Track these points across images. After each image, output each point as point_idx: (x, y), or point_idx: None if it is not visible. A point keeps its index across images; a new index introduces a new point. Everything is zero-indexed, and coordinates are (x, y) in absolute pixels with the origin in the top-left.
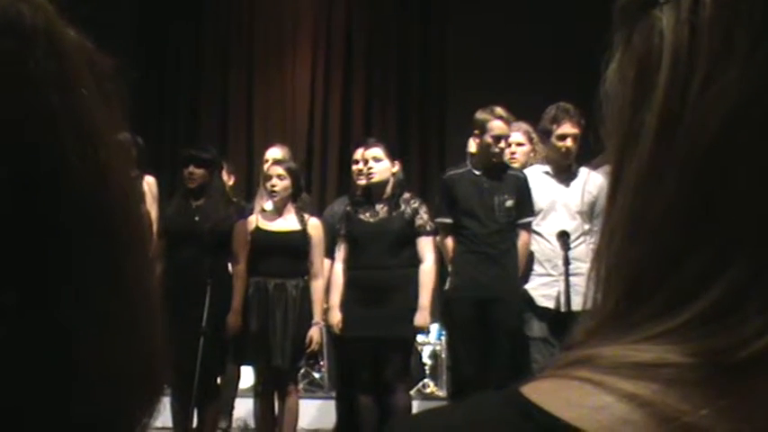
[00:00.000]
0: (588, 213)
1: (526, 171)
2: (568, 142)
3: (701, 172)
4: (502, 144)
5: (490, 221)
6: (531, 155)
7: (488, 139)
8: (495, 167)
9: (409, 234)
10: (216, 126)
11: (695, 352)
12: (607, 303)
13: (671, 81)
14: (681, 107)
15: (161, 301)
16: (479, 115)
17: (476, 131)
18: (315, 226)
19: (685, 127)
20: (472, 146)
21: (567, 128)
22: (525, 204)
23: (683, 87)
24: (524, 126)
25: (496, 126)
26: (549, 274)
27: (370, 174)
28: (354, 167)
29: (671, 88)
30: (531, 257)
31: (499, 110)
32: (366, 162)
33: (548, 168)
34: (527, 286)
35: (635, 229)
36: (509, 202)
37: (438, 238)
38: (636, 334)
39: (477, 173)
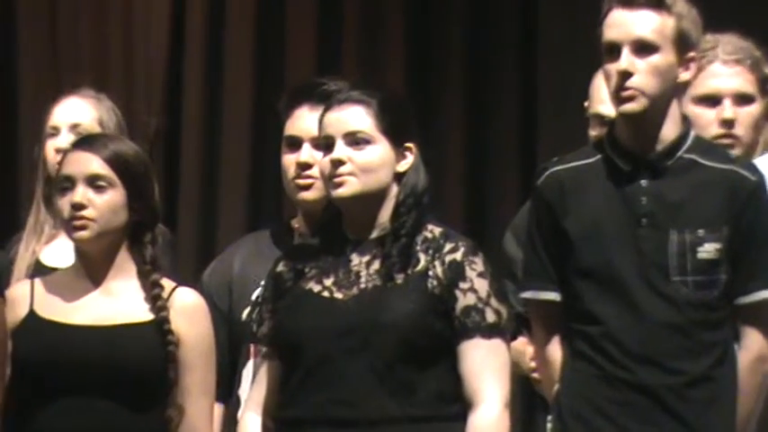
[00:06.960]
0: None
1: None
2: None
3: None
4: (622, 63)
5: (654, 297)
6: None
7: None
8: (652, 147)
9: (437, 332)
10: None
11: None
12: None
13: None
14: None
15: None
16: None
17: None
18: (189, 310)
19: None
20: (600, 101)
21: None
22: (757, 252)
23: None
24: (753, 51)
25: (613, 21)
26: None
27: (336, 174)
28: (287, 158)
29: None
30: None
31: None
32: (329, 143)
33: None
34: None
35: None
36: (709, 247)
37: (518, 341)
38: None
39: (623, 166)
